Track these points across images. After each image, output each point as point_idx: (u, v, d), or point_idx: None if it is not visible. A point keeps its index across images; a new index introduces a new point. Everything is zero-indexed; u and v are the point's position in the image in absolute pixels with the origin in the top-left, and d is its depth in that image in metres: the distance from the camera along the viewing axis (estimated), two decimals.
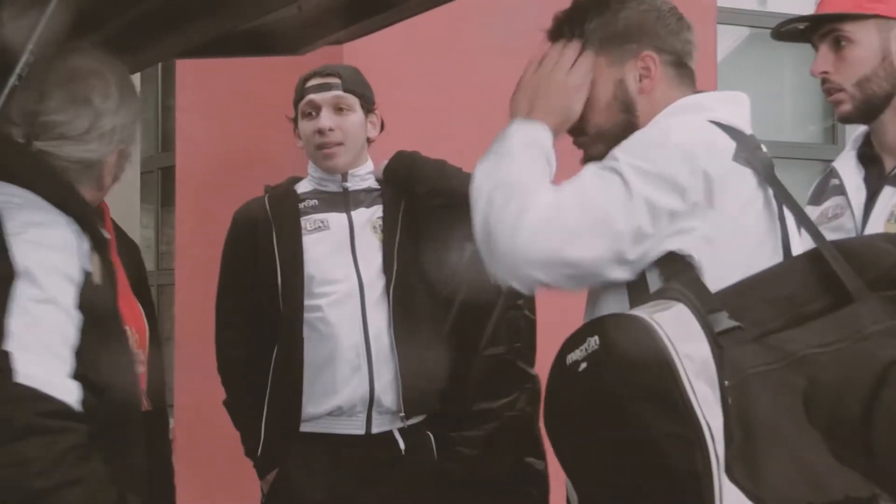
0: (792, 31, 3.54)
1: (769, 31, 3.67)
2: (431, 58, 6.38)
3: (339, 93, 4.19)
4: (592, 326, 2.42)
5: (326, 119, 4.16)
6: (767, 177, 2.65)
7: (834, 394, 2.38)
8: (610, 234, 2.52)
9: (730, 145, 2.62)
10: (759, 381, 2.36)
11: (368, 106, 4.26)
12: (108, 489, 2.28)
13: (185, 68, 8.15)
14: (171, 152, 9.01)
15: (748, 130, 2.74)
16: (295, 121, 4.28)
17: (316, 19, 3.43)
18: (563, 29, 2.89)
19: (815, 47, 3.48)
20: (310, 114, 4.20)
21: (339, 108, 4.19)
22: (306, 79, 4.24)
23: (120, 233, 3.63)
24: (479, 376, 4.33)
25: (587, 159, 2.88)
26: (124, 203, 9.14)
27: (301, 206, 4.23)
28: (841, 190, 3.45)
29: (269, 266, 4.14)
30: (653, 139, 2.64)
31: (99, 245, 2.47)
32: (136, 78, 8.64)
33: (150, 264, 10.02)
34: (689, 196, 2.54)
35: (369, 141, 4.30)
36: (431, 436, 4.23)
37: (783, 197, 2.67)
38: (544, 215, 2.54)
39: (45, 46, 2.26)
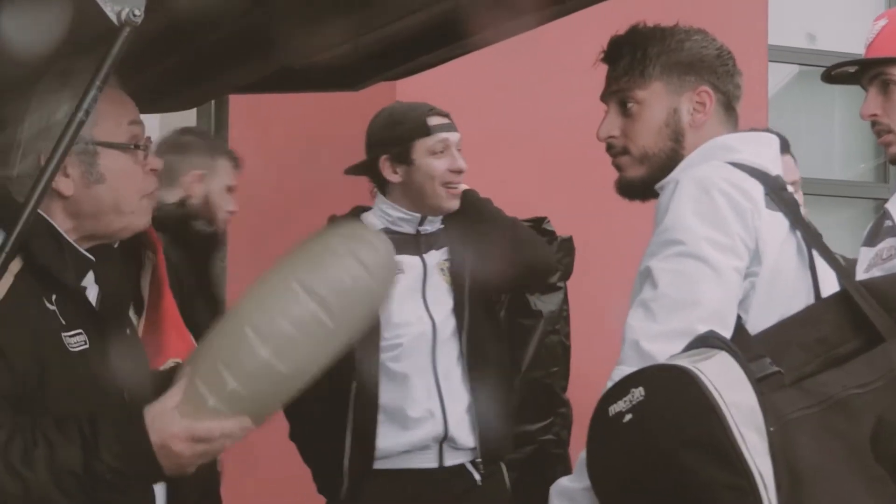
0: (842, 73, 3.57)
1: (819, 68, 3.70)
2: (482, 94, 6.41)
3: (459, 135, 4.21)
4: (635, 377, 2.41)
5: (461, 160, 4.16)
6: (795, 218, 2.67)
7: (875, 433, 2.39)
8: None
9: (759, 189, 2.65)
10: (799, 425, 2.37)
11: None
12: None
13: (239, 102, 8.20)
14: None
15: (774, 171, 2.76)
16: (400, 155, 4.18)
17: (372, 56, 3.47)
18: (623, 50, 2.91)
19: (865, 89, 3.50)
20: (441, 151, 4.15)
21: (459, 150, 4.20)
22: (422, 114, 4.19)
23: (171, 266, 3.66)
24: (520, 400, 4.37)
25: (623, 181, 2.91)
26: None
27: None
28: (894, 231, 3.46)
29: None
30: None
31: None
32: (191, 113, 8.70)
33: None
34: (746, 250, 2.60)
35: None
36: (503, 465, 4.22)
37: (811, 238, 2.69)
38: None
39: (110, 81, 2.30)
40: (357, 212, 4.29)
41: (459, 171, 4.14)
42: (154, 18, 2.23)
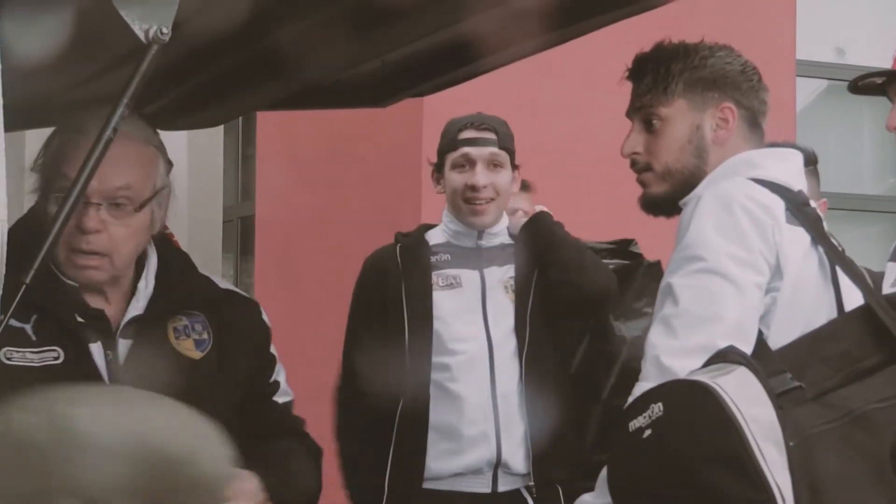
0: (869, 84, 3.56)
1: (847, 83, 3.69)
2: (510, 110, 6.41)
3: (495, 150, 4.14)
4: (655, 393, 2.42)
5: (483, 176, 4.10)
6: (817, 233, 2.67)
7: None
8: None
9: (780, 205, 2.65)
10: (821, 440, 2.37)
11: (514, 162, 4.21)
12: None
13: (266, 118, 8.24)
14: (251, 202, 9.08)
15: (797, 186, 2.76)
16: (438, 167, 4.21)
17: (399, 72, 3.47)
18: (646, 67, 2.91)
19: (892, 101, 3.49)
20: (463, 166, 4.13)
21: (492, 164, 4.13)
22: (459, 128, 4.18)
23: None
24: (600, 428, 4.26)
25: (647, 198, 2.91)
26: (206, 252, 9.22)
27: (433, 259, 4.16)
28: None
29: (397, 320, 4.09)
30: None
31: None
32: (219, 128, 8.75)
33: None
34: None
35: None
36: (560, 489, 4.15)
37: (833, 252, 2.68)
38: None
39: (137, 99, 2.31)
40: (423, 229, 4.30)
41: (474, 188, 4.09)
42: (181, 36, 2.23)
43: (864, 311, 2.57)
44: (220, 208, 9.97)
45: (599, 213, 5.84)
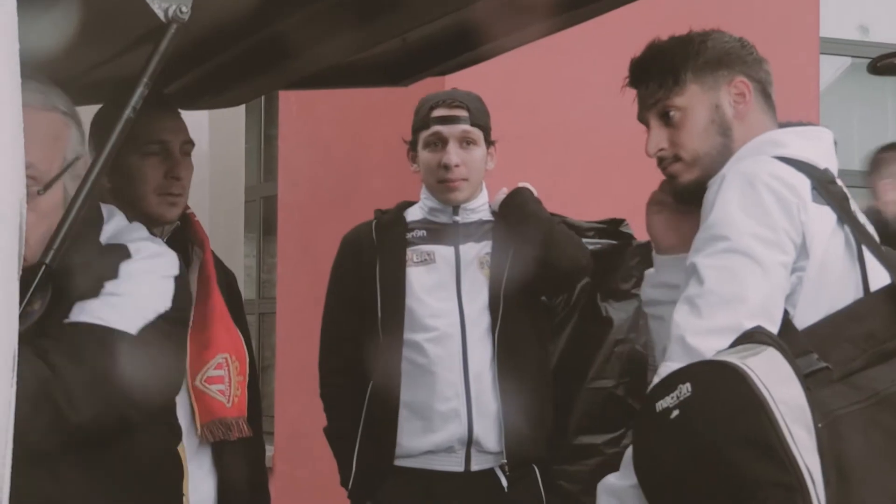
0: (888, 65, 3.54)
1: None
2: (533, 88, 6.40)
3: (467, 127, 4.07)
4: (683, 373, 2.40)
5: (454, 154, 4.04)
6: (844, 212, 2.65)
7: None
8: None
9: (806, 184, 2.63)
10: (848, 421, 2.36)
11: (490, 139, 4.15)
12: None
13: (288, 98, 8.24)
14: (274, 182, 9.08)
15: (823, 164, 2.74)
16: (413, 145, 4.17)
17: (420, 52, 3.46)
18: (649, 66, 2.91)
19: None
20: (434, 144, 4.08)
21: (465, 142, 4.07)
22: (431, 106, 4.11)
23: (218, 262, 3.66)
24: (584, 409, 4.23)
25: (680, 188, 2.89)
26: (229, 232, 9.22)
27: (409, 235, 4.13)
28: None
29: (371, 296, 4.07)
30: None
31: None
32: (241, 108, 8.72)
33: (251, 293, 10.08)
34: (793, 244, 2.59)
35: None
36: (536, 468, 4.11)
37: (859, 232, 2.66)
38: None
39: (157, 79, 2.30)
40: (402, 206, 4.26)
41: (446, 167, 4.04)
42: (201, 15, 2.23)
43: (889, 292, 2.56)
44: (242, 188, 9.95)
45: (625, 194, 5.83)
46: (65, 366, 2.33)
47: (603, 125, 6.14)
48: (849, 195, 2.73)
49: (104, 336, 2.41)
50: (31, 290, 2.20)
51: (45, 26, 2.26)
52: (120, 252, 2.54)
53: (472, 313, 4.04)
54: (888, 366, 2.43)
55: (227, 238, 9.19)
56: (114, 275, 2.48)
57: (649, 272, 3.07)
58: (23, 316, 2.37)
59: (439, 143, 4.07)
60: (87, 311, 2.42)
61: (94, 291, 2.45)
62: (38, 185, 2.36)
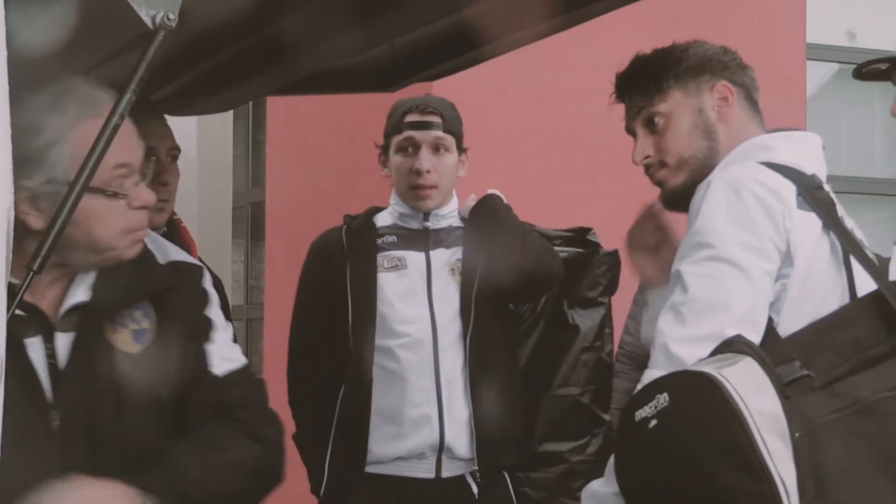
0: (874, 71, 3.56)
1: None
2: (519, 94, 6.41)
3: (440, 133, 4.06)
4: (661, 383, 2.41)
5: (426, 160, 4.04)
6: (830, 218, 2.65)
7: None
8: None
9: (791, 190, 2.64)
10: (828, 429, 2.37)
11: (462, 146, 4.14)
12: None
13: (276, 104, 8.24)
14: (261, 187, 9.10)
15: (811, 170, 2.75)
16: (384, 149, 4.16)
17: (408, 57, 3.46)
18: (633, 76, 2.93)
19: None
20: (406, 149, 4.07)
21: (436, 148, 4.06)
22: (405, 111, 4.10)
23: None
24: (549, 416, 4.23)
25: (667, 193, 2.91)
26: (217, 238, 9.24)
27: (379, 241, 4.12)
28: None
29: (342, 302, 4.05)
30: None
31: None
32: (229, 114, 8.73)
33: (239, 299, 10.10)
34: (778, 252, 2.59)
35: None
36: (507, 475, 4.10)
37: (845, 238, 2.67)
38: None
39: (145, 86, 2.29)
40: (372, 211, 4.25)
41: (418, 172, 4.04)
42: (189, 22, 2.23)
43: (874, 298, 2.56)
44: (230, 194, 9.98)
45: (616, 202, 5.83)
46: (265, 431, 2.80)
47: (588, 132, 6.14)
48: (836, 201, 2.73)
49: (257, 380, 2.84)
50: (20, 294, 2.19)
51: (33, 33, 2.26)
52: (194, 272, 2.75)
53: (443, 319, 4.03)
54: (872, 373, 2.43)
55: (215, 244, 9.21)
56: (205, 305, 2.72)
57: (645, 315, 3.09)
58: (138, 334, 2.56)
59: (411, 148, 4.07)
60: (226, 357, 2.70)
61: (201, 323, 2.68)
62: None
